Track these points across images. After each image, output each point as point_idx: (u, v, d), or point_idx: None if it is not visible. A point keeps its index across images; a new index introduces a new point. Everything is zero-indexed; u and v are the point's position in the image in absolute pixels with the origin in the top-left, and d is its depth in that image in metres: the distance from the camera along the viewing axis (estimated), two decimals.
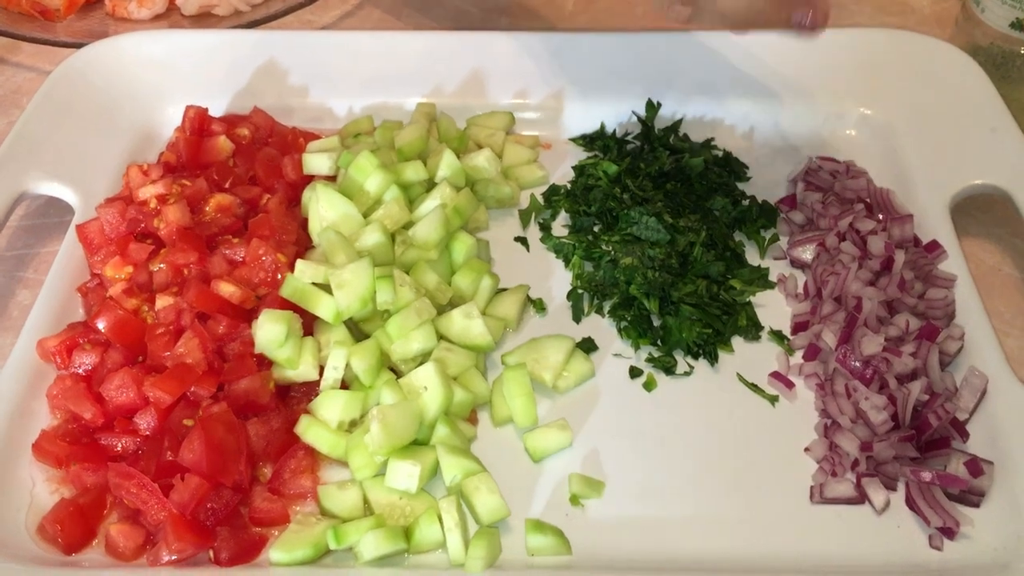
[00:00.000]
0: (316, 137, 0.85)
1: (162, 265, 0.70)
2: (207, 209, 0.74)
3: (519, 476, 0.64)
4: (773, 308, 0.74)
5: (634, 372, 0.70)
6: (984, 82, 0.83)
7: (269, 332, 0.65)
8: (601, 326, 0.73)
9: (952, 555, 0.60)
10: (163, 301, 0.68)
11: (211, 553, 0.59)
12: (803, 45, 0.87)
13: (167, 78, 0.89)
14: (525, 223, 0.81)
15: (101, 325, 0.68)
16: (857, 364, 0.65)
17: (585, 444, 0.66)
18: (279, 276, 0.70)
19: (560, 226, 0.80)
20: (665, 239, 0.74)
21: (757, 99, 0.87)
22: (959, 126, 0.81)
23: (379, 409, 0.62)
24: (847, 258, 0.72)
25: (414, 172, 0.77)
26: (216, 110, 0.86)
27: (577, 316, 0.74)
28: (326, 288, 0.68)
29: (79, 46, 0.91)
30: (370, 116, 0.87)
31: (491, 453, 0.65)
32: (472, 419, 0.67)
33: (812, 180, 0.80)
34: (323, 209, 0.73)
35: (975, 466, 0.61)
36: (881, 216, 0.76)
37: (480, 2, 1.08)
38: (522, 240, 0.79)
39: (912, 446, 0.62)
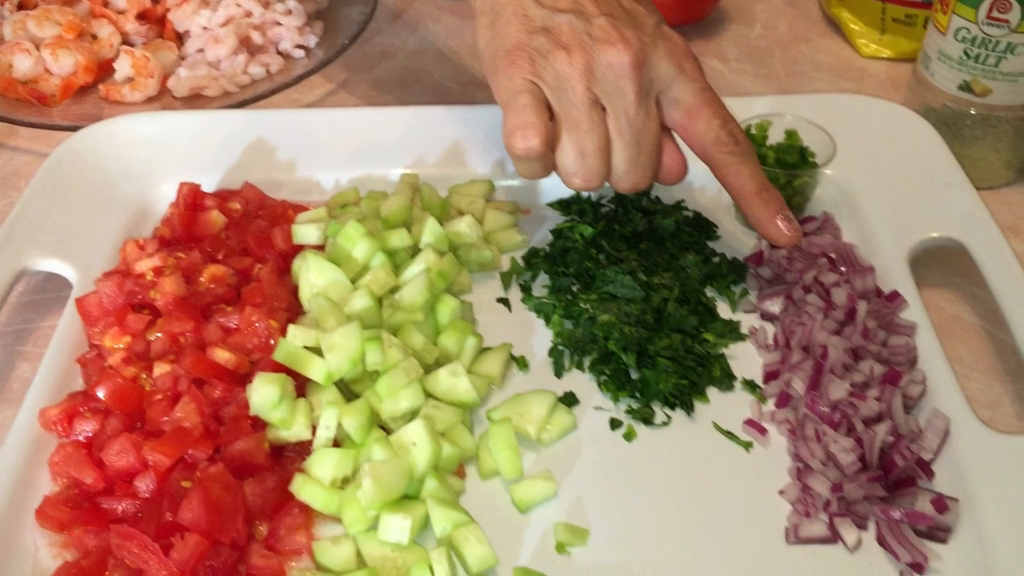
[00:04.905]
0: (305, 209, 0.88)
1: (159, 334, 0.73)
2: (201, 280, 0.77)
3: (506, 526, 0.67)
4: (745, 359, 0.77)
5: (614, 424, 0.73)
6: (937, 141, 0.88)
7: (263, 394, 0.68)
8: (582, 381, 0.76)
9: None
10: (160, 368, 0.71)
11: None
12: (769, 109, 0.92)
13: (160, 157, 0.93)
14: (506, 285, 0.84)
15: (100, 393, 0.70)
16: (825, 409, 0.68)
17: (569, 494, 0.68)
18: (272, 341, 0.73)
19: (540, 287, 0.84)
20: (640, 296, 0.77)
21: None
22: (915, 183, 0.86)
23: (370, 465, 0.64)
24: (813, 309, 0.75)
25: (399, 239, 0.80)
26: (208, 186, 0.90)
27: (559, 372, 0.77)
28: (317, 351, 0.71)
29: (75, 129, 0.95)
30: (356, 188, 0.91)
31: (479, 505, 0.68)
32: (460, 473, 0.70)
33: None
34: (313, 277, 0.77)
35: (941, 503, 0.64)
36: (844, 269, 0.80)
37: (458, 77, 1.13)
38: (504, 301, 0.83)
39: (880, 486, 0.65)
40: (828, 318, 0.74)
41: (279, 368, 0.71)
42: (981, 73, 0.87)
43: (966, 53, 0.87)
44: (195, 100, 1.07)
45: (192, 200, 0.84)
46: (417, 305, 0.75)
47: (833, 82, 1.10)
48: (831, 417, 0.68)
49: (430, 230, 0.82)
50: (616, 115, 0.71)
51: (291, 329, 0.71)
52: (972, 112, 0.90)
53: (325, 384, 0.70)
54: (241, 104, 1.04)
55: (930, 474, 0.67)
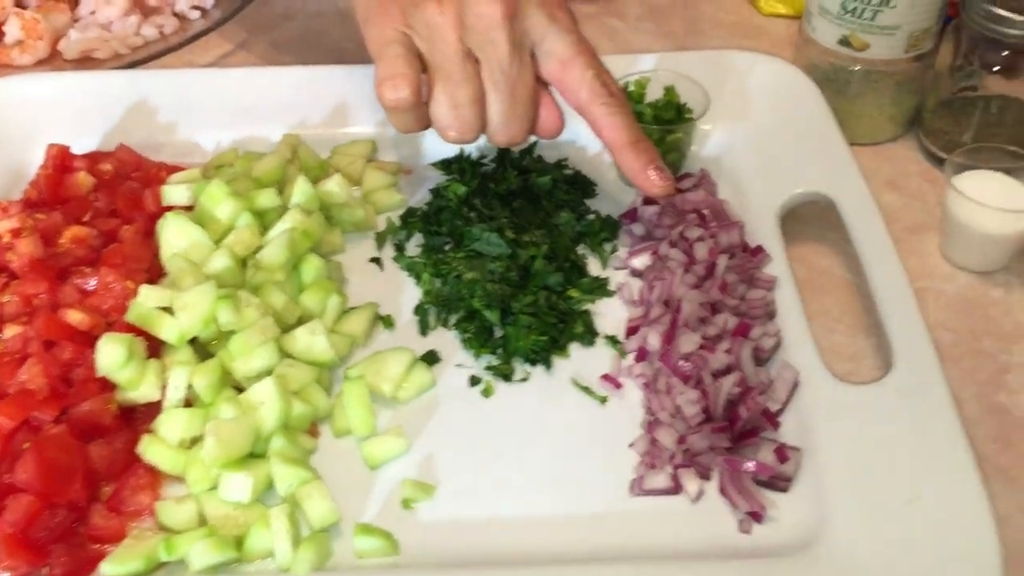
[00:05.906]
0: (181, 171, 0.87)
1: (12, 296, 0.72)
2: (62, 241, 0.77)
3: (355, 484, 0.66)
4: (612, 316, 0.77)
5: (474, 381, 0.73)
6: (815, 96, 0.88)
7: (109, 355, 0.67)
8: (446, 339, 0.76)
9: (760, 537, 0.63)
10: (11, 331, 0.70)
11: (45, 571, 0.61)
12: (655, 66, 0.92)
13: (37, 120, 0.91)
14: (380, 244, 0.84)
15: None
16: (677, 362, 0.69)
17: (422, 450, 0.68)
18: (128, 303, 0.72)
19: (415, 246, 0.83)
20: (506, 253, 0.77)
21: None
22: (791, 139, 0.86)
23: (214, 423, 0.64)
24: (674, 264, 0.75)
25: (267, 199, 0.80)
26: (87, 148, 0.88)
27: (424, 330, 0.77)
28: (171, 312, 0.70)
29: None
30: (235, 149, 0.90)
31: (330, 463, 0.67)
32: (313, 431, 0.70)
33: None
34: (173, 236, 0.76)
35: (782, 453, 0.64)
36: (714, 225, 0.80)
37: (358, 38, 1.11)
38: (376, 260, 0.82)
39: (726, 437, 0.66)
40: (689, 273, 0.74)
41: (133, 330, 0.70)
42: (859, 27, 0.87)
43: (843, 7, 0.86)
44: (86, 62, 1.05)
45: (60, 162, 0.83)
46: (277, 264, 0.74)
47: (731, 40, 1.09)
48: (682, 370, 0.68)
49: (300, 189, 0.81)
50: (490, 67, 0.71)
51: (143, 289, 0.71)
52: (855, 68, 0.90)
53: (177, 344, 0.70)
54: (132, 66, 1.02)
55: (776, 424, 0.67)
